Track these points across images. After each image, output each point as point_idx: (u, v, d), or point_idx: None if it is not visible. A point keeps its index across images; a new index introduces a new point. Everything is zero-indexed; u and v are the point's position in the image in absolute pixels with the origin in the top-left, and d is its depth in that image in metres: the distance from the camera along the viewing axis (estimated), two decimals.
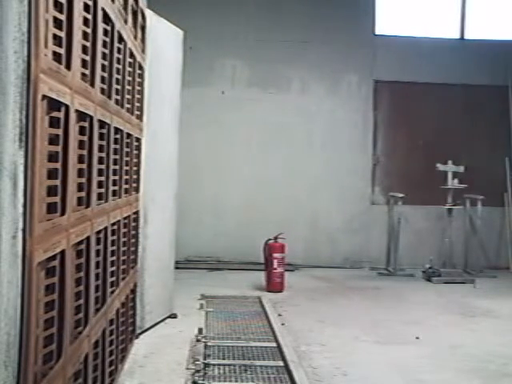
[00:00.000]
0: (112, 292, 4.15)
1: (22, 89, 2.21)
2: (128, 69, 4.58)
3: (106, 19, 3.60)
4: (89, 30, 3.16)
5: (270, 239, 8.48)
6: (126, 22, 4.38)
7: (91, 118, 3.26)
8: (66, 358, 2.85)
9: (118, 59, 4.11)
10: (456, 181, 9.87)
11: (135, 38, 4.94)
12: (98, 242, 3.63)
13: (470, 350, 5.93)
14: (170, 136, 6.51)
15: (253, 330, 6.27)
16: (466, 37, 11.00)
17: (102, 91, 3.57)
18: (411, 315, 7.27)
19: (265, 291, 8.26)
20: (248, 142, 10.56)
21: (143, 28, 5.44)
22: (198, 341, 5.75)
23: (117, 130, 4.15)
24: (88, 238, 3.29)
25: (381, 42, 10.75)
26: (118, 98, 4.18)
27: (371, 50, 10.72)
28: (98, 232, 3.62)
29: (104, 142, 3.68)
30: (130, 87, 4.76)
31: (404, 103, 10.93)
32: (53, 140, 2.63)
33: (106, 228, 3.83)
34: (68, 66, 2.74)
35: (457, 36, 11.01)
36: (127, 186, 4.77)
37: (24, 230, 2.25)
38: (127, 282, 4.93)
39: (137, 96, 5.12)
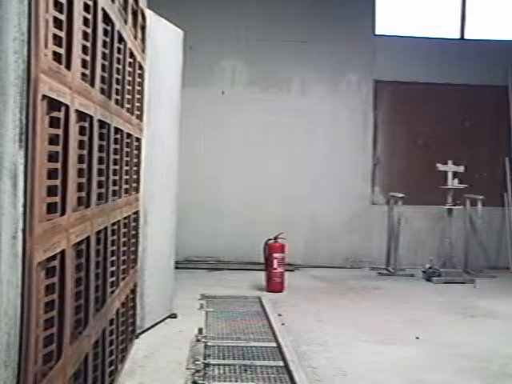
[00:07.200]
0: (112, 292, 4.15)
1: (22, 89, 2.21)
2: (128, 69, 4.58)
3: (106, 19, 3.60)
4: (89, 30, 3.16)
5: (269, 239, 8.47)
6: (125, 22, 4.38)
7: (91, 117, 3.25)
8: (66, 357, 2.84)
9: (118, 59, 4.11)
10: (456, 181, 9.87)
11: (135, 38, 4.94)
12: (98, 242, 3.63)
13: (470, 349, 5.93)
14: (170, 136, 6.51)
15: (253, 330, 6.27)
16: (466, 37, 11.00)
17: (102, 91, 3.57)
18: (411, 315, 7.27)
19: (265, 291, 8.26)
20: (248, 141, 10.56)
21: (143, 28, 5.44)
22: (198, 341, 5.75)
23: (117, 130, 4.15)
24: (88, 238, 3.29)
25: (381, 41, 10.75)
26: (118, 97, 4.18)
27: (371, 49, 10.72)
28: (98, 232, 3.62)
29: (104, 142, 3.68)
30: (130, 87, 4.76)
31: (404, 103, 10.93)
32: (53, 140, 2.62)
33: (106, 228, 3.83)
34: (68, 66, 2.74)
35: (457, 36, 11.02)
36: (127, 186, 4.77)
37: (24, 230, 2.25)
38: (127, 281, 4.93)
39: (137, 96, 5.12)
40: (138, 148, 5.39)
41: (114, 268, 4.20)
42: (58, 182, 2.68)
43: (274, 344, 5.75)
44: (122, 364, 4.76)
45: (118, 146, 4.23)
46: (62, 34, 2.67)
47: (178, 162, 6.73)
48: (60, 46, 2.66)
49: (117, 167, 4.23)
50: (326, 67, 10.66)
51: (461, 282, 9.44)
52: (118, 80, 4.13)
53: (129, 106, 4.73)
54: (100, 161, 3.58)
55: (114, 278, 4.22)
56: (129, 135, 4.74)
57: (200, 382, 4.72)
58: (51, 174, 2.60)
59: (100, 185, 3.62)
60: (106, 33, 3.62)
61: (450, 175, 9.86)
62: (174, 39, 6.50)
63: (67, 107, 2.73)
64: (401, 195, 10.12)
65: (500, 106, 10.96)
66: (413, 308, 7.72)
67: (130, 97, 4.77)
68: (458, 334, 6.55)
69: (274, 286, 8.35)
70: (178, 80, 6.64)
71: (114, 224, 4.17)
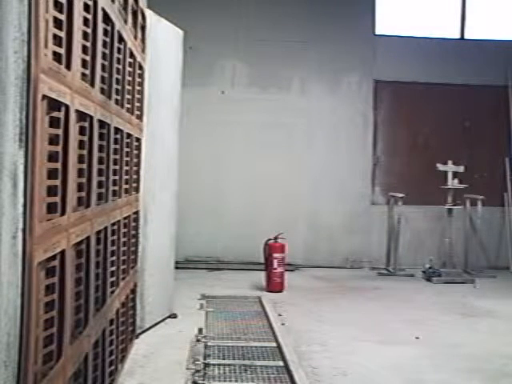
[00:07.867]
0: (112, 292, 4.15)
1: (22, 89, 2.21)
2: (128, 69, 4.58)
3: (106, 19, 3.60)
4: (89, 30, 3.16)
5: (269, 239, 8.47)
6: (125, 22, 4.38)
7: (91, 117, 3.26)
8: (66, 357, 2.85)
9: (118, 59, 4.11)
10: (456, 181, 9.87)
11: (135, 38, 4.94)
12: (98, 242, 3.63)
13: (469, 349, 5.93)
14: (170, 136, 6.51)
15: (253, 330, 6.27)
16: (466, 37, 11.00)
17: (102, 91, 3.57)
18: (411, 315, 7.27)
19: (265, 291, 8.26)
20: (248, 142, 10.55)
21: (143, 28, 5.44)
22: (198, 341, 5.75)
23: (117, 130, 4.15)
24: (88, 238, 3.29)
25: (381, 41, 10.75)
26: (118, 98, 4.18)
27: (371, 49, 10.72)
28: (98, 232, 3.62)
29: (104, 142, 3.68)
30: (130, 87, 4.76)
31: (404, 103, 10.93)
32: (53, 140, 2.63)
33: (106, 228, 3.83)
34: (68, 66, 2.74)
35: (457, 36, 11.02)
36: (127, 186, 4.77)
37: (24, 230, 2.25)
38: (127, 281, 4.93)
39: (137, 96, 5.12)
40: (138, 148, 5.39)
41: (114, 268, 4.21)
42: (58, 182, 2.68)
43: (274, 344, 5.75)
44: (122, 364, 4.76)
45: (117, 146, 4.23)
46: (62, 34, 2.67)
47: (178, 161, 6.73)
48: (60, 46, 2.66)
49: (117, 167, 4.23)
50: (326, 67, 10.66)
51: (461, 282, 9.44)
52: (117, 80, 4.13)
53: (129, 106, 4.73)
54: (100, 161, 3.58)
55: (114, 278, 4.22)
56: (129, 135, 4.74)
57: (200, 381, 4.72)
58: (51, 173, 2.60)
59: (100, 185, 3.62)
60: (106, 33, 3.62)
61: (449, 175, 9.87)
62: (174, 39, 6.50)
63: (67, 107, 2.73)
64: (401, 195, 10.12)
65: (500, 106, 10.96)
66: (413, 308, 7.72)
67: (130, 97, 4.77)
68: (457, 334, 6.55)
69: (274, 285, 8.35)
70: (178, 80, 6.64)
71: (113, 224, 4.17)
